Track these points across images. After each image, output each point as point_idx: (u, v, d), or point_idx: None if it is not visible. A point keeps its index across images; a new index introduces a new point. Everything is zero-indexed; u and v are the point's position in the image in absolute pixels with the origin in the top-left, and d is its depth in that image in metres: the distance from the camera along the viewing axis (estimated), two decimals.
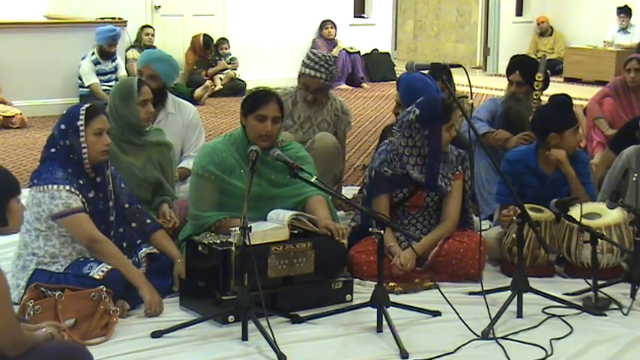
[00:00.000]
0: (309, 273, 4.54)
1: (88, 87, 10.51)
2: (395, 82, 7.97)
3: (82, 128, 4.44)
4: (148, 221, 4.76)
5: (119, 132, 4.96)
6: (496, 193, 5.56)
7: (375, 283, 4.24)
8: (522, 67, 6.35)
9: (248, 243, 4.01)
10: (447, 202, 5.06)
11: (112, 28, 10.60)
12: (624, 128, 6.82)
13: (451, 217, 5.05)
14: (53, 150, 4.49)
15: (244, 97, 4.91)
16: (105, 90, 10.26)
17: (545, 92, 6.36)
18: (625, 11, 14.38)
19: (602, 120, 8.33)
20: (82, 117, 4.45)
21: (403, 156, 5.00)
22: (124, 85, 5.18)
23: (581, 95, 11.48)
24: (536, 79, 6.24)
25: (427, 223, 5.13)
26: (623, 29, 14.46)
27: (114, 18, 11.36)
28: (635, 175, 5.01)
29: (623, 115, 8.08)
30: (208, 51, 12.57)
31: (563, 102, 5.39)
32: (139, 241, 4.70)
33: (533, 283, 4.52)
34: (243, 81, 12.62)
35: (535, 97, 6.23)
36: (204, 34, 12.56)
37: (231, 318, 4.28)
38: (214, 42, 12.70)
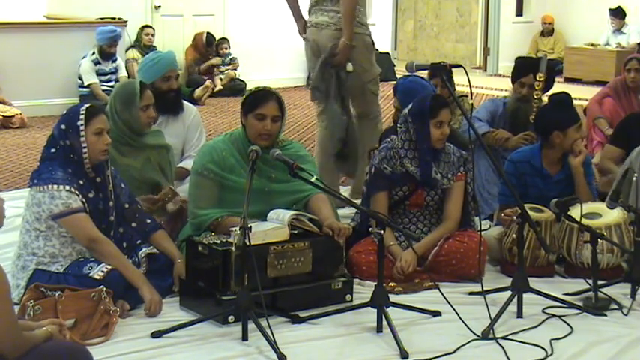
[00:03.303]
0: (306, 272, 4.54)
1: (88, 86, 10.51)
2: (395, 82, 7.99)
3: (82, 128, 4.44)
4: (148, 221, 4.76)
5: (117, 134, 4.93)
6: (498, 194, 5.57)
7: (375, 283, 4.24)
8: (537, 69, 6.34)
9: (248, 243, 4.02)
10: (448, 202, 5.06)
11: (113, 29, 10.60)
12: (622, 123, 6.84)
13: (452, 217, 5.06)
14: (53, 150, 4.49)
15: (244, 96, 4.91)
16: (104, 90, 10.26)
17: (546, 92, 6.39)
18: (616, 13, 14.37)
19: (602, 120, 8.34)
20: (82, 117, 4.45)
21: (401, 150, 5.01)
22: (126, 88, 5.15)
23: (581, 95, 11.46)
24: (537, 78, 6.25)
25: (428, 222, 5.13)
26: (618, 30, 14.46)
27: (114, 18, 11.36)
28: (635, 175, 5.01)
29: (623, 115, 8.09)
30: (210, 49, 12.58)
31: (563, 100, 5.40)
32: (138, 241, 4.70)
33: (533, 283, 4.52)
34: (243, 81, 12.62)
35: (535, 96, 6.24)
36: (208, 33, 12.57)
37: (231, 318, 4.28)
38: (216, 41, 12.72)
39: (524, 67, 6.43)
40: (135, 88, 5.09)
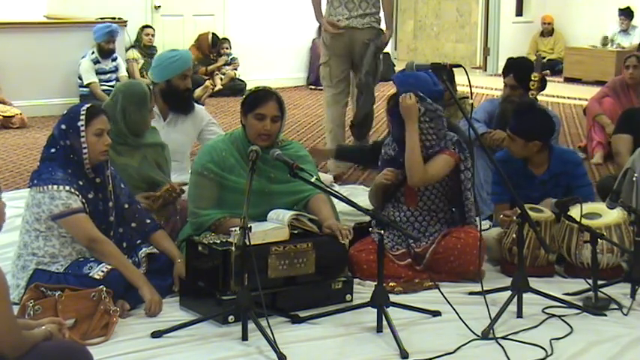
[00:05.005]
0: (309, 273, 4.54)
1: (87, 86, 10.50)
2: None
3: (82, 128, 4.44)
4: (148, 221, 4.76)
5: (115, 134, 4.89)
6: (491, 193, 5.57)
7: (375, 283, 4.24)
8: (517, 70, 6.36)
9: (248, 243, 4.02)
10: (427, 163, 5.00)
11: (108, 25, 10.60)
12: (625, 114, 6.86)
13: (424, 167, 4.94)
14: (53, 150, 4.49)
15: (244, 96, 4.92)
16: (104, 90, 10.25)
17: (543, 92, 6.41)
18: (626, 13, 14.36)
19: (603, 116, 8.35)
20: (82, 117, 4.45)
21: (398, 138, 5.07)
22: (137, 89, 5.14)
23: (581, 95, 11.47)
24: (532, 78, 6.26)
25: (425, 222, 5.11)
26: (624, 31, 14.45)
27: (114, 18, 11.36)
28: (635, 175, 5.01)
29: None
30: (214, 50, 12.58)
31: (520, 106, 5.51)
32: (138, 241, 4.70)
33: (533, 283, 4.52)
34: (243, 81, 12.62)
35: (531, 96, 6.24)
36: (213, 33, 12.58)
37: (231, 318, 4.28)
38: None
39: (505, 68, 6.49)
40: (146, 90, 5.11)
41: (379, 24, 7.66)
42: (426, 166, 4.95)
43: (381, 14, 7.73)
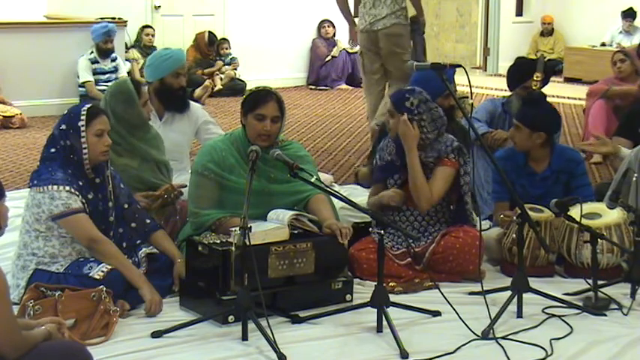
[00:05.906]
0: (309, 273, 4.54)
1: (83, 85, 10.47)
2: None
3: (82, 129, 4.44)
4: (148, 221, 4.76)
5: (115, 135, 4.88)
6: (492, 192, 5.57)
7: (375, 283, 4.24)
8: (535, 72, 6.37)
9: (248, 243, 4.02)
10: (429, 182, 4.99)
11: (105, 25, 10.59)
12: (628, 112, 6.85)
13: (429, 191, 4.96)
14: (53, 150, 4.49)
15: (244, 96, 4.92)
16: (103, 91, 10.22)
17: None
18: (630, 15, 14.34)
19: (614, 87, 8.36)
20: (83, 117, 4.45)
21: (396, 140, 5.05)
22: (122, 88, 5.12)
23: (581, 95, 11.43)
24: (535, 78, 6.27)
25: (425, 222, 5.11)
26: (626, 31, 14.43)
27: (114, 18, 11.36)
28: (636, 175, 5.01)
29: (620, 113, 8.13)
30: (212, 48, 12.58)
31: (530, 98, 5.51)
32: (138, 241, 4.70)
33: (533, 283, 4.52)
34: (243, 81, 12.63)
35: None
36: (209, 32, 12.58)
37: (231, 318, 4.28)
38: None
39: (525, 71, 6.41)
40: (130, 86, 5.09)
41: (406, 19, 8.16)
42: (430, 186, 4.96)
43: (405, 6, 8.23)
